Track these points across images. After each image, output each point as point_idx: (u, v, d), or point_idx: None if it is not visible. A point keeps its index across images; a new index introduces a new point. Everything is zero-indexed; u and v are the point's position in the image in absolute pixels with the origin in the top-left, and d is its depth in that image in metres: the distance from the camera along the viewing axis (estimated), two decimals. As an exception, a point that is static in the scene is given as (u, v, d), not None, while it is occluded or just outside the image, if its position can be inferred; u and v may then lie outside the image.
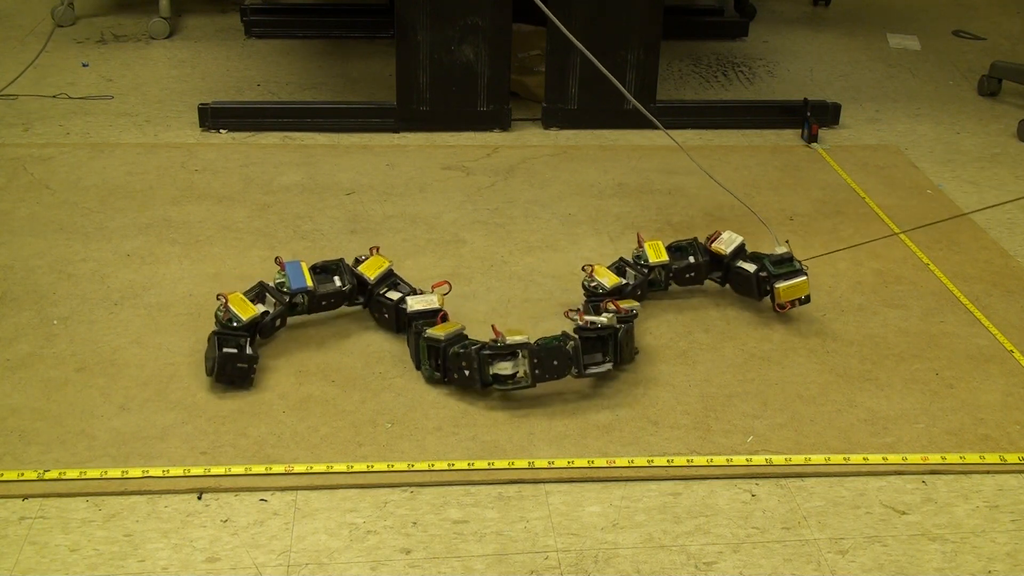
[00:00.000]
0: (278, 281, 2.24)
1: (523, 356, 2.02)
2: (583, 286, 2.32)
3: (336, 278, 2.31)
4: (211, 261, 2.57)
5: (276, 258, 2.29)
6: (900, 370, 2.24)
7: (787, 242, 2.40)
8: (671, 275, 2.42)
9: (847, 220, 2.89)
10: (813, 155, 3.33)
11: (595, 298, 2.27)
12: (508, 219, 2.84)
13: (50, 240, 2.64)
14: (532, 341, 2.05)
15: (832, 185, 3.12)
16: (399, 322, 2.26)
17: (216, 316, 2.13)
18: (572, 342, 2.06)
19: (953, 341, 2.34)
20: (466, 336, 2.12)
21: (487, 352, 2.03)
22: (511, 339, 2.04)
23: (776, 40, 4.52)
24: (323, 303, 2.28)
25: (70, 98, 3.59)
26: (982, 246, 2.77)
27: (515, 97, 3.55)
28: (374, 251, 2.34)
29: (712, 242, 2.44)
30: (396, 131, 3.39)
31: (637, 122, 3.48)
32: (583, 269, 2.33)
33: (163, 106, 3.56)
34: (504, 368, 2.02)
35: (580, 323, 2.09)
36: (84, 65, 3.92)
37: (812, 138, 3.41)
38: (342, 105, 3.51)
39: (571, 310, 2.13)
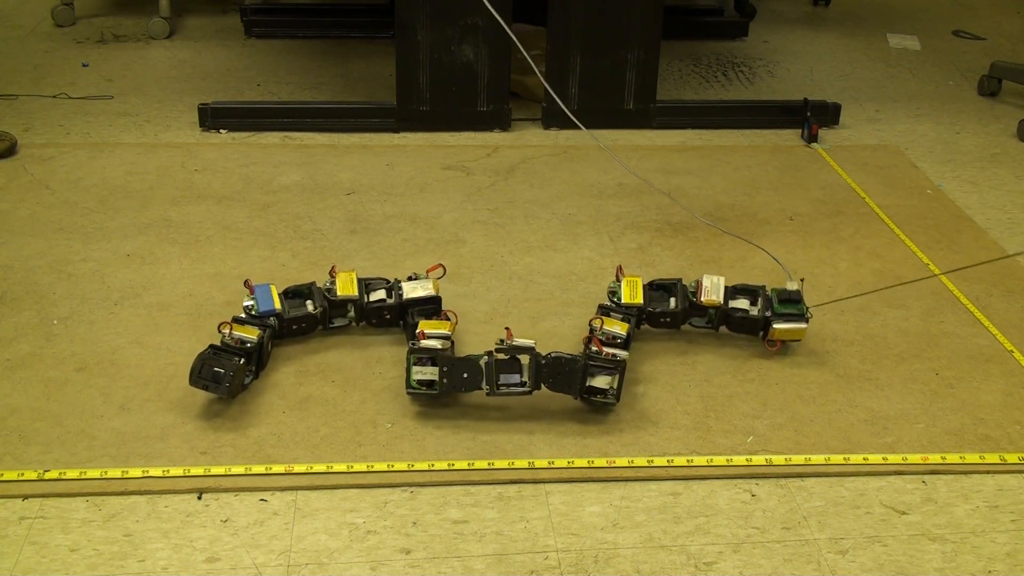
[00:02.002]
0: (246, 304, 2.19)
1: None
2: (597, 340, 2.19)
3: (308, 302, 2.25)
4: (211, 261, 2.57)
5: (246, 281, 2.23)
6: (900, 370, 2.24)
7: (802, 281, 2.31)
8: (644, 317, 2.27)
9: (847, 220, 2.89)
10: (813, 155, 3.34)
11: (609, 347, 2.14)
12: (508, 219, 2.84)
13: (50, 240, 2.64)
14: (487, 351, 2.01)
15: (832, 185, 3.12)
16: (402, 316, 2.26)
17: (224, 343, 2.08)
18: (486, 358, 2.00)
19: (953, 341, 2.34)
20: (447, 338, 2.09)
21: (413, 355, 2.01)
22: (424, 343, 2.02)
23: (776, 40, 4.52)
24: (294, 327, 2.22)
25: (70, 98, 3.59)
26: (982, 246, 2.77)
27: (515, 97, 3.55)
28: (334, 271, 2.29)
29: (699, 294, 2.26)
30: (396, 131, 3.39)
31: (637, 122, 3.49)
32: (590, 324, 2.15)
33: (163, 106, 3.56)
34: (423, 373, 2.00)
35: (504, 340, 2.02)
36: (84, 65, 3.92)
37: (812, 138, 3.41)
38: (342, 105, 3.51)
39: (507, 328, 2.06)
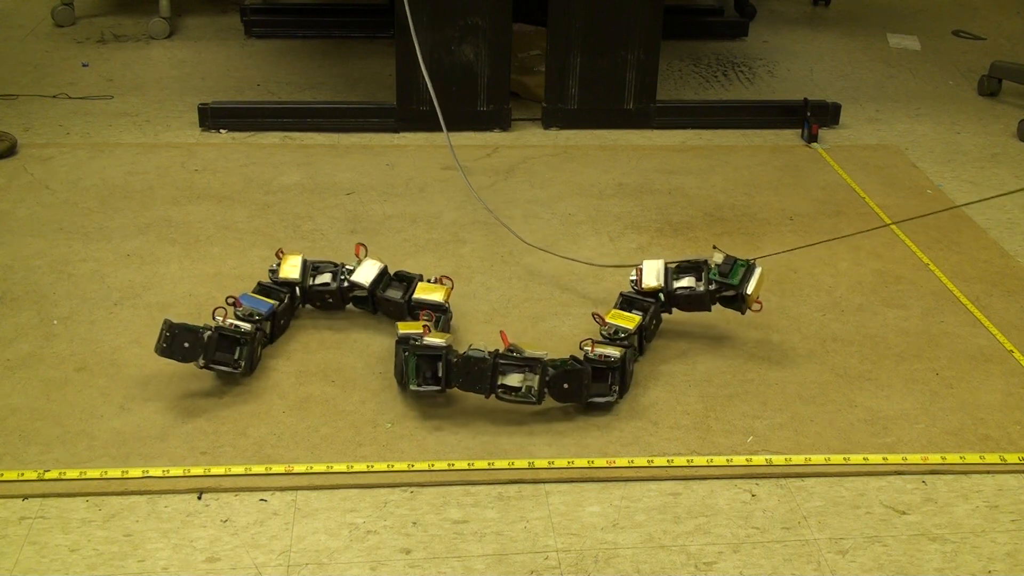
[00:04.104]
0: (246, 313, 2.17)
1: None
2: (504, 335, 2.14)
3: (273, 300, 2.26)
4: (211, 261, 2.57)
5: (228, 297, 2.19)
6: (900, 370, 2.24)
7: (715, 247, 2.30)
8: (644, 337, 2.21)
9: (847, 220, 2.89)
10: (813, 155, 3.34)
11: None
12: (508, 219, 2.84)
13: (50, 240, 2.64)
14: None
15: (832, 185, 3.12)
16: (344, 300, 2.31)
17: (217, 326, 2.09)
18: (407, 354, 2.02)
19: (953, 341, 2.34)
20: (443, 309, 2.21)
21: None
22: (403, 331, 2.08)
23: (776, 40, 4.52)
24: (280, 322, 2.25)
25: (70, 98, 3.59)
26: (982, 246, 2.77)
27: (515, 97, 3.56)
28: (280, 254, 2.32)
29: (639, 282, 2.24)
30: (396, 131, 3.39)
31: (637, 122, 3.49)
32: (581, 347, 2.08)
33: (163, 106, 3.56)
34: None
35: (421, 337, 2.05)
36: (84, 65, 3.92)
37: (812, 138, 3.41)
38: (342, 105, 3.51)
39: (425, 326, 2.08)
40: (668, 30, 3.49)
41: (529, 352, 2.01)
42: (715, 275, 2.22)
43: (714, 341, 2.31)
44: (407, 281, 2.31)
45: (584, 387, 2.01)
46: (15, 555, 1.69)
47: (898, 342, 2.33)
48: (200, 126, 3.36)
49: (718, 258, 2.24)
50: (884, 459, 1.97)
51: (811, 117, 3.43)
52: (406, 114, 3.38)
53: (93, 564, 1.68)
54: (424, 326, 2.07)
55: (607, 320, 2.17)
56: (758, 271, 2.23)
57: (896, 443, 2.01)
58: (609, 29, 3.35)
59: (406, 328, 2.09)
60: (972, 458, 1.98)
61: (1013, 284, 2.59)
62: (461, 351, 2.02)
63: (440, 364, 2.00)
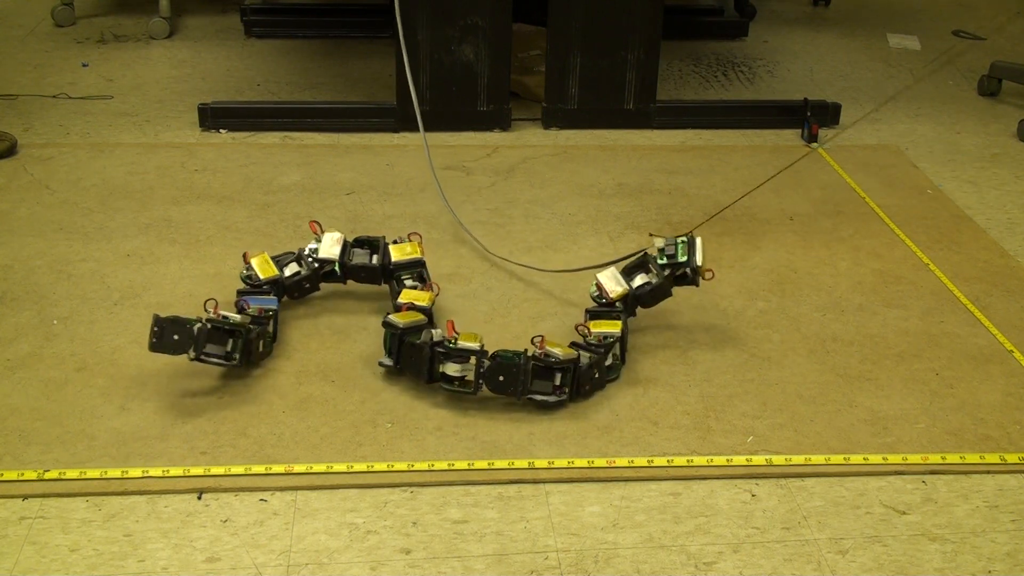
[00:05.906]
0: (260, 312, 2.18)
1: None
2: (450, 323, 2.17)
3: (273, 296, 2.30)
4: (211, 261, 2.57)
5: (236, 302, 2.20)
6: (900, 370, 2.24)
7: (651, 234, 2.35)
8: (623, 346, 2.21)
9: (847, 220, 2.89)
10: (813, 155, 3.34)
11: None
12: (508, 219, 2.84)
13: (50, 240, 2.64)
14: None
15: (832, 185, 3.12)
16: (318, 281, 2.36)
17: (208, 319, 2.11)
18: (386, 329, 2.14)
19: (953, 341, 2.34)
20: (421, 268, 2.33)
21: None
22: (392, 319, 2.15)
23: (776, 40, 4.52)
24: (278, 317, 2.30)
25: (70, 98, 3.59)
26: (982, 246, 2.77)
27: (515, 97, 3.56)
28: (247, 258, 2.32)
29: (604, 295, 2.23)
30: (396, 131, 3.39)
31: (637, 122, 3.49)
32: (532, 342, 2.07)
33: (163, 106, 3.56)
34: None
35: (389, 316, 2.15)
36: (84, 65, 3.92)
37: (812, 138, 3.41)
38: (342, 105, 3.51)
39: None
40: (668, 30, 3.49)
41: (463, 343, 2.05)
42: (663, 260, 2.26)
43: (714, 341, 2.31)
44: (370, 245, 2.37)
45: (520, 381, 2.02)
46: (15, 555, 1.69)
47: (898, 342, 2.33)
48: (200, 126, 3.36)
49: (659, 243, 2.27)
50: (884, 459, 1.97)
51: (811, 117, 3.43)
52: (406, 114, 3.37)
53: (93, 564, 1.68)
54: (419, 290, 2.18)
55: (592, 330, 2.18)
56: (699, 240, 2.26)
57: (896, 443, 2.01)
58: (609, 29, 3.35)
59: (407, 298, 2.20)
60: (972, 458, 1.98)
61: (1013, 284, 2.59)
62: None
63: (396, 343, 2.09)
